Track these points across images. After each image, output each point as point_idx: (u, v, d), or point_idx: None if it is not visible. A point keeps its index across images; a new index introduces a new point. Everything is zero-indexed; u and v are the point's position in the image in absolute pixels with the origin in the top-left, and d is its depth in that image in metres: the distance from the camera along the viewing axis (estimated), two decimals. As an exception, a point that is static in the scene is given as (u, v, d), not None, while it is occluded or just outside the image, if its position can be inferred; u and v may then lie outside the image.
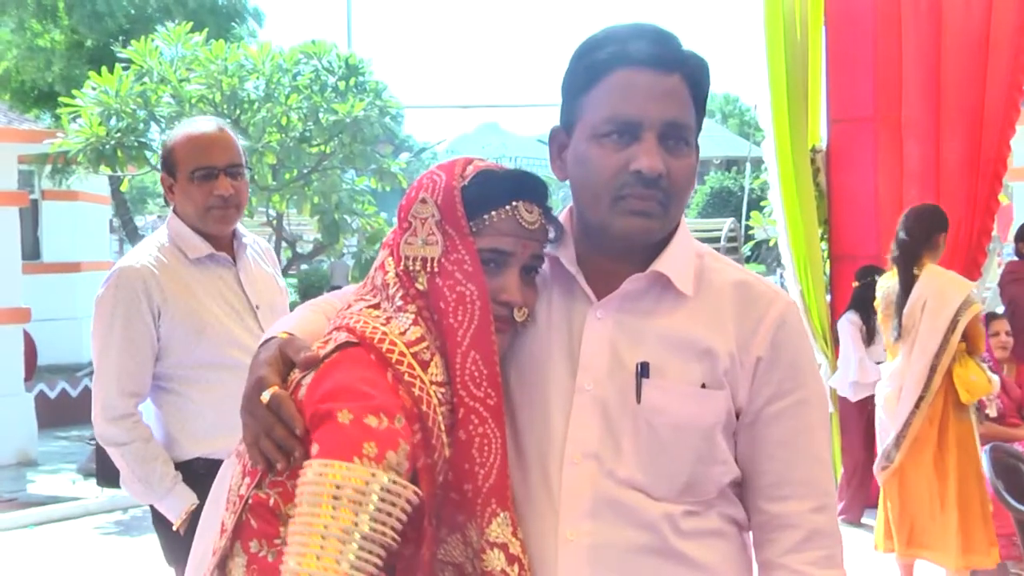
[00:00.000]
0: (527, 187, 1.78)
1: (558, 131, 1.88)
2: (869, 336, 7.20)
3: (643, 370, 1.78)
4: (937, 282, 5.58)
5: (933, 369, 5.48)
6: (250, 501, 1.69)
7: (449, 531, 1.71)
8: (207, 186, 3.25)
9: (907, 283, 5.61)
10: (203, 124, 3.44)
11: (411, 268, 1.74)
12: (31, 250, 17.68)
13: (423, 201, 1.75)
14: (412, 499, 1.58)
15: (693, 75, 1.82)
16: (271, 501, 1.67)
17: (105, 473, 10.29)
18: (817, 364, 1.94)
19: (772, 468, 1.83)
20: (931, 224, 5.70)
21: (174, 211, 3.41)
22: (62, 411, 13.65)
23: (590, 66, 1.81)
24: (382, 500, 1.54)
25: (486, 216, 1.73)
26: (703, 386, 1.79)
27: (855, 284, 7.36)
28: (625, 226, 1.77)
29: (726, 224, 24.01)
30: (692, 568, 1.78)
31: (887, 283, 5.91)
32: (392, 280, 1.76)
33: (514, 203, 1.75)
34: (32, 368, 14.81)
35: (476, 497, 1.66)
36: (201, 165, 3.25)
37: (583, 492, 1.76)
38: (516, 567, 1.67)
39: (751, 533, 1.90)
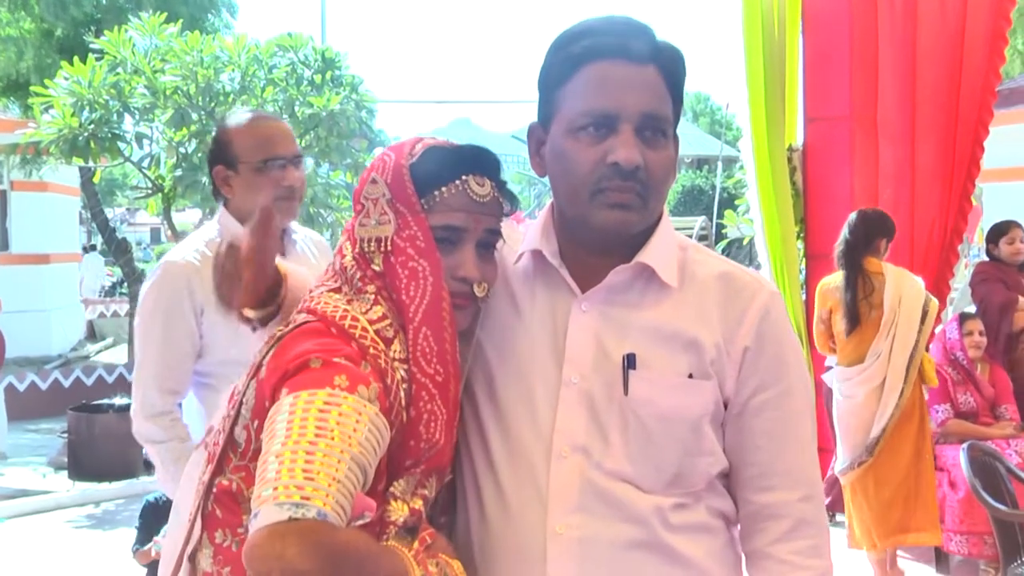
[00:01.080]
0: (477, 161, 1.77)
1: (535, 127, 1.88)
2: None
3: (630, 362, 1.77)
4: (907, 280, 5.86)
5: (910, 361, 5.72)
6: (214, 490, 1.68)
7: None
8: (275, 176, 3.13)
9: (852, 281, 5.87)
10: (261, 115, 3.37)
11: (367, 250, 1.75)
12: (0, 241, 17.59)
13: (373, 181, 1.77)
14: (383, 432, 1.57)
15: (668, 66, 1.81)
16: (234, 486, 1.67)
17: (78, 466, 10.27)
18: (802, 356, 1.92)
19: (758, 459, 1.83)
20: (874, 228, 6.00)
21: (226, 205, 3.27)
22: (32, 404, 13.60)
23: (565, 59, 1.81)
24: (360, 421, 1.54)
25: (436, 192, 1.73)
26: (690, 376, 1.79)
27: None
28: (604, 219, 1.76)
29: (697, 222, 23.99)
30: (679, 563, 1.77)
31: (833, 281, 6.10)
32: (350, 263, 1.76)
33: (464, 177, 1.74)
34: (0, 360, 14.72)
35: (413, 467, 1.67)
36: (271, 155, 3.13)
37: (571, 485, 1.74)
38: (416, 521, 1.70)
39: (739, 525, 1.90)
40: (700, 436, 1.80)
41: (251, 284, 1.86)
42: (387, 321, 1.70)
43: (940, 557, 6.37)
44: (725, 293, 1.84)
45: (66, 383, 14.45)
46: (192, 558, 1.72)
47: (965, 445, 5.18)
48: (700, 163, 35.96)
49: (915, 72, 7.60)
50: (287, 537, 1.41)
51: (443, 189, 1.73)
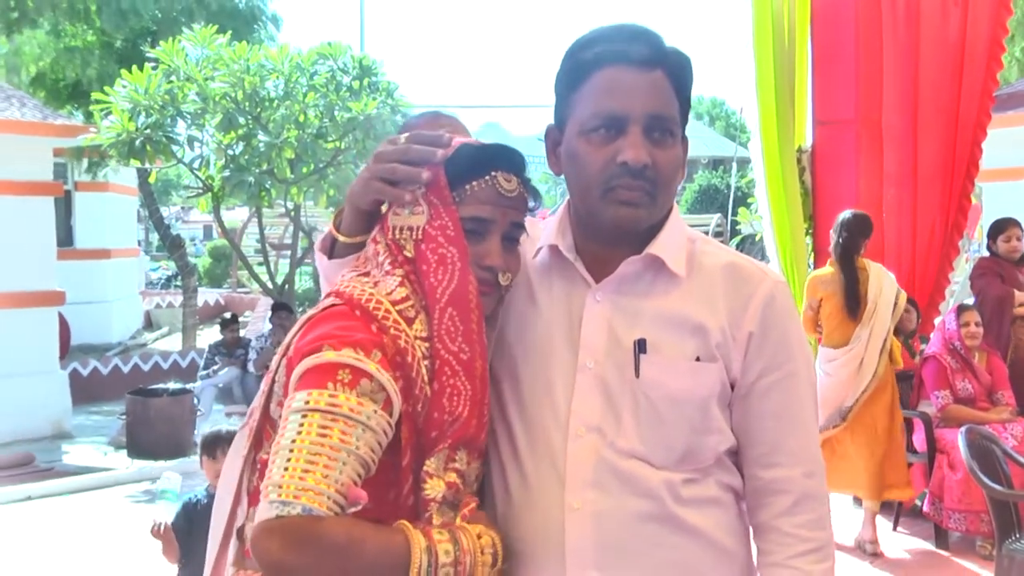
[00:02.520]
0: (505, 158, 1.76)
1: (552, 128, 1.87)
2: None
3: (640, 347, 1.76)
4: (884, 275, 6.30)
5: (885, 342, 6.20)
6: (258, 465, 1.70)
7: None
8: None
9: (851, 275, 6.22)
10: (436, 114, 3.21)
11: (398, 237, 1.75)
12: (65, 237, 17.72)
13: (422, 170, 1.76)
14: (383, 427, 1.58)
15: (675, 70, 1.80)
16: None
17: (135, 445, 10.36)
18: (806, 340, 1.90)
19: (764, 437, 1.82)
20: (860, 229, 6.31)
21: None
22: (94, 388, 13.74)
23: (577, 66, 1.80)
24: (357, 423, 1.55)
25: (467, 186, 1.73)
26: (697, 360, 1.77)
27: None
28: (615, 215, 1.76)
29: (713, 220, 23.96)
30: (690, 534, 1.76)
31: (824, 274, 6.47)
32: (382, 249, 1.76)
33: (493, 173, 1.74)
34: (66, 348, 14.85)
35: (440, 441, 1.66)
36: None
37: (587, 463, 1.74)
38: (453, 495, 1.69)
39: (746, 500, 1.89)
40: (707, 415, 1.78)
41: None
42: (410, 302, 1.70)
43: (940, 534, 6.32)
44: (732, 281, 1.82)
45: (125, 369, 14.58)
46: (240, 533, 1.73)
47: (963, 429, 5.15)
48: (716, 164, 35.84)
49: (917, 78, 7.55)
50: (273, 534, 1.48)
51: (473, 183, 1.73)
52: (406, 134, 1.79)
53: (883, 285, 6.24)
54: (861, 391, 6.20)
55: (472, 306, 1.70)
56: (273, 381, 1.72)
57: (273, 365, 1.74)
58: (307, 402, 1.54)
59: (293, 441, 1.52)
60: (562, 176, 1.88)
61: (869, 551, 6.22)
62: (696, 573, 1.76)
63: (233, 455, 1.82)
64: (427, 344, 1.68)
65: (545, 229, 1.91)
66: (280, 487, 1.50)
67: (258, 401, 1.76)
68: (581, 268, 1.83)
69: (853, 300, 6.19)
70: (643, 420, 1.75)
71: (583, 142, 1.76)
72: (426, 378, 1.65)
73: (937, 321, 6.73)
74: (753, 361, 1.80)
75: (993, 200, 11.21)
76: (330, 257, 1.91)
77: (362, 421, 1.54)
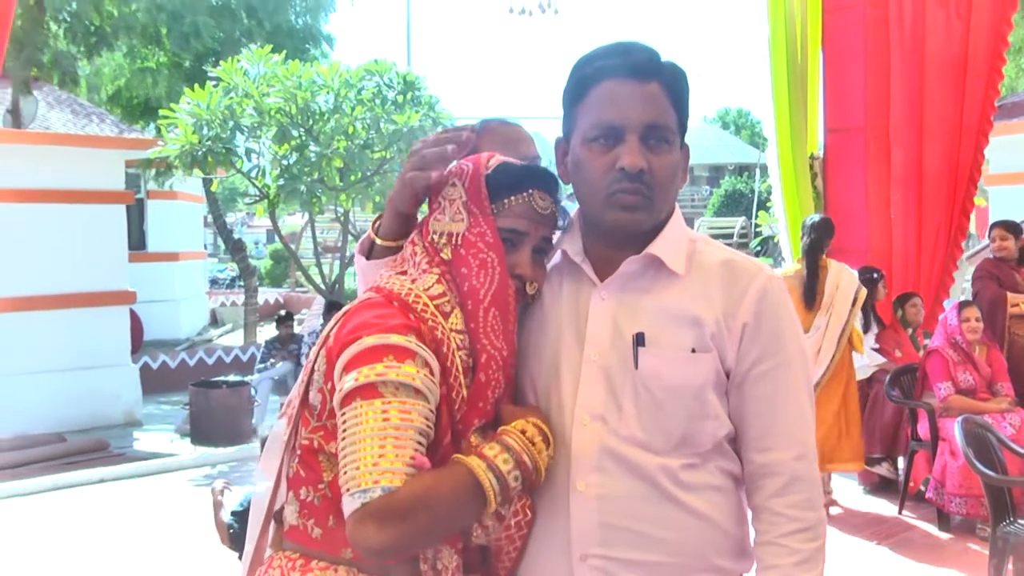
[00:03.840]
0: (541, 178, 1.80)
1: (560, 140, 1.88)
2: (865, 325, 7.17)
3: (639, 340, 1.77)
4: (844, 272, 6.62)
5: (843, 333, 6.51)
6: (298, 451, 1.71)
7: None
8: None
9: (812, 271, 6.57)
10: (503, 122, 3.08)
11: (437, 241, 1.76)
12: (138, 242, 17.96)
13: (452, 185, 1.78)
14: (431, 389, 1.60)
15: (670, 82, 1.80)
16: (315, 444, 1.68)
17: (198, 433, 10.48)
18: (801, 332, 1.89)
19: (758, 422, 1.81)
20: (828, 230, 6.69)
21: None
22: (162, 380, 13.88)
23: (580, 80, 1.81)
24: (405, 391, 1.57)
25: (506, 200, 1.76)
26: (693, 351, 1.77)
27: None
28: (615, 218, 1.77)
29: (738, 222, 23.85)
30: (690, 515, 1.76)
31: (789, 271, 6.82)
32: (419, 251, 1.77)
33: (530, 191, 1.77)
34: (139, 343, 15.04)
35: (483, 425, 1.70)
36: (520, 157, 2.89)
37: (591, 449, 1.75)
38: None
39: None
40: (703, 403, 1.78)
41: None
42: (446, 298, 1.70)
43: (942, 517, 6.25)
44: (727, 276, 1.82)
45: (191, 362, 14.73)
46: (278, 516, 1.75)
47: (960, 419, 5.09)
48: (741, 170, 35.68)
49: (922, 88, 7.49)
50: (364, 521, 1.50)
51: (512, 198, 1.75)
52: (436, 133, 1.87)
53: (841, 282, 6.57)
54: (820, 375, 6.51)
55: (511, 307, 1.74)
56: (313, 370, 1.71)
57: (312, 355, 1.74)
58: (358, 380, 1.56)
59: (357, 433, 1.54)
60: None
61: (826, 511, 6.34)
62: (694, 553, 1.76)
63: (273, 442, 1.83)
64: (462, 337, 1.69)
65: (559, 237, 1.92)
66: (358, 479, 1.52)
67: (296, 391, 1.76)
68: (588, 270, 1.83)
69: (810, 293, 6.54)
70: (643, 408, 1.76)
71: (586, 150, 1.77)
72: (460, 368, 1.66)
73: (941, 317, 6.67)
74: (747, 350, 1.79)
75: (999, 203, 11.07)
76: (368, 258, 1.94)
77: (413, 385, 1.57)
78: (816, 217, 6.81)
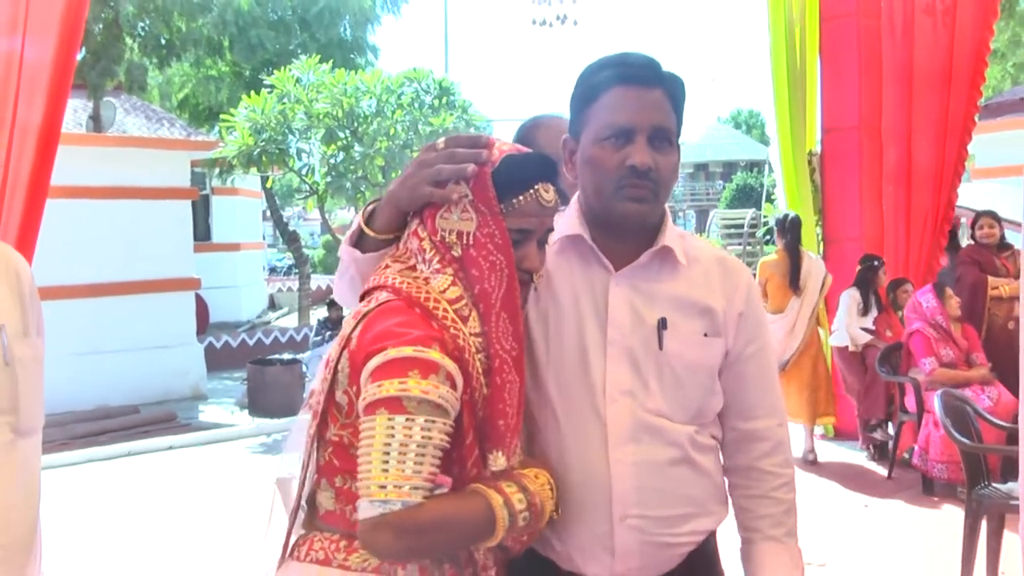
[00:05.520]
0: (544, 169, 1.70)
1: (568, 139, 1.88)
2: (865, 308, 7.19)
3: (663, 324, 1.80)
4: (814, 262, 7.27)
5: (813, 311, 7.15)
6: (329, 445, 1.63)
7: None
8: None
9: (797, 260, 7.16)
10: (560, 118, 2.88)
11: (447, 239, 1.63)
12: (204, 233, 18.12)
13: (457, 183, 1.64)
14: (452, 406, 1.52)
15: (672, 89, 1.82)
16: (345, 440, 1.59)
17: (255, 406, 10.60)
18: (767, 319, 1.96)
19: (747, 396, 1.88)
20: (799, 227, 7.27)
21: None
22: (225, 358, 14.01)
23: (591, 86, 1.82)
24: (427, 407, 1.49)
25: (514, 200, 1.64)
26: (705, 335, 1.83)
27: (858, 268, 7.32)
28: (624, 210, 1.78)
29: (748, 213, 23.65)
30: (701, 473, 1.83)
31: (770, 259, 7.49)
32: (428, 247, 1.64)
33: (536, 187, 1.66)
34: (205, 325, 15.20)
35: (506, 431, 1.62)
36: None
37: (625, 422, 1.77)
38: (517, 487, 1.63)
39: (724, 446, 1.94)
40: (714, 381, 1.85)
41: None
42: (463, 301, 1.60)
43: (926, 482, 6.23)
44: (723, 271, 1.88)
45: (250, 342, 14.87)
46: (310, 500, 1.67)
47: (939, 392, 5.08)
48: (752, 166, 35.41)
49: (912, 90, 7.44)
50: (380, 528, 1.46)
51: (520, 198, 1.64)
52: (443, 139, 1.70)
53: (812, 270, 7.16)
54: (795, 348, 7.12)
55: (518, 308, 1.65)
56: (336, 370, 1.60)
57: (334, 354, 1.62)
58: (383, 391, 1.48)
59: (385, 443, 1.47)
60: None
61: (810, 459, 7.14)
62: (701, 504, 1.83)
63: (299, 432, 1.76)
64: (479, 339, 1.60)
65: (559, 223, 1.88)
66: (380, 487, 1.46)
67: (320, 385, 1.65)
68: (603, 257, 1.84)
69: (795, 278, 7.13)
70: (666, 385, 1.79)
71: (597, 149, 1.77)
72: (480, 370, 1.59)
73: (912, 302, 6.69)
74: (740, 335, 1.86)
75: (985, 195, 10.96)
76: (358, 249, 1.82)
77: (436, 401, 1.49)
78: (792, 214, 7.31)
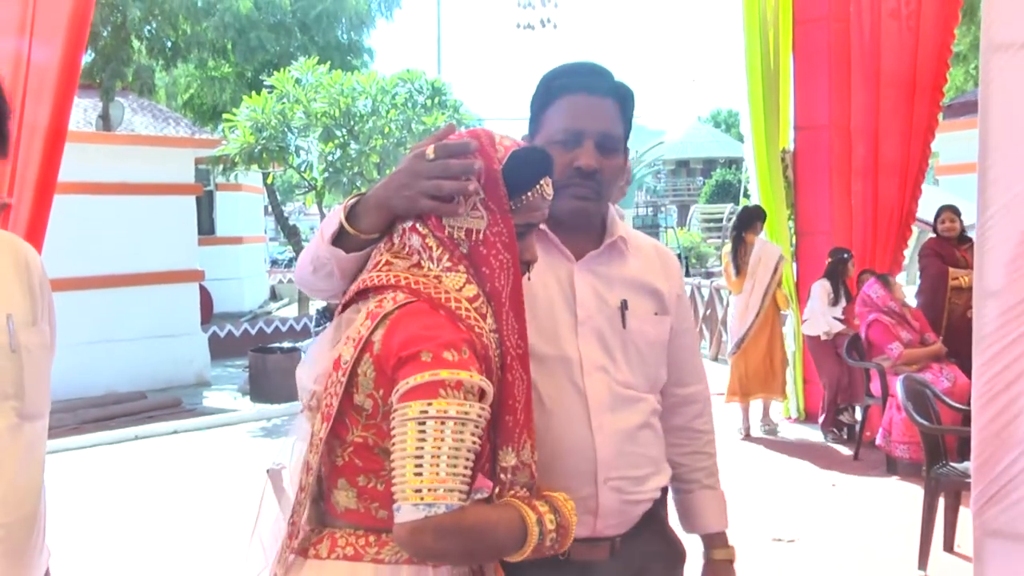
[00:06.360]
0: (546, 163, 1.65)
1: (526, 138, 1.93)
2: (835, 298, 7.23)
3: (624, 305, 1.88)
4: (767, 247, 7.48)
5: (766, 294, 7.42)
6: (350, 447, 1.54)
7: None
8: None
9: (737, 247, 7.62)
10: None
11: (455, 236, 1.55)
12: (208, 227, 18.09)
13: (467, 180, 1.55)
14: (485, 417, 1.46)
15: (622, 99, 1.88)
16: (369, 441, 1.51)
17: (257, 392, 10.60)
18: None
19: (682, 366, 2.02)
20: (753, 215, 7.65)
21: None
22: (228, 347, 13.98)
23: (548, 91, 1.87)
24: (464, 421, 1.42)
25: (523, 197, 1.59)
26: (656, 314, 1.94)
27: (828, 260, 7.37)
28: (570, 207, 1.83)
29: (727, 208, 23.79)
30: (658, 435, 1.94)
31: (727, 249, 7.91)
32: (434, 243, 1.55)
33: (541, 183, 1.62)
34: (209, 314, 15.16)
35: (515, 427, 1.56)
36: None
37: (602, 394, 1.84)
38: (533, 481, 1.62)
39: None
40: (665, 354, 1.96)
41: None
42: (481, 299, 1.53)
43: (890, 462, 6.30)
44: (661, 259, 2.00)
45: (252, 331, 14.84)
46: (320, 499, 1.60)
47: (901, 377, 5.14)
48: (730, 163, 35.41)
49: (879, 91, 7.47)
50: (424, 532, 1.40)
51: (528, 194, 1.60)
52: (432, 146, 1.58)
53: (762, 254, 7.43)
54: (748, 325, 7.50)
55: (523, 306, 1.59)
56: (353, 374, 1.50)
57: (348, 356, 1.51)
58: (423, 411, 1.40)
59: (419, 449, 1.40)
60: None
61: (744, 433, 7.61)
62: (658, 463, 1.94)
63: (299, 439, 1.66)
64: (496, 335, 1.55)
65: None
66: (420, 491, 1.39)
67: (328, 387, 1.54)
68: (564, 248, 1.89)
69: (736, 264, 7.60)
70: (632, 359, 1.89)
71: (550, 150, 1.78)
72: (497, 364, 1.54)
73: (861, 295, 6.84)
74: (678, 314, 2.00)
75: (949, 190, 11.02)
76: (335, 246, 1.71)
77: (472, 419, 1.43)
78: (741, 208, 7.91)
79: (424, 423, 1.40)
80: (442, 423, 1.40)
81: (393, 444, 1.43)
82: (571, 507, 1.61)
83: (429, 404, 1.40)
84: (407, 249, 1.58)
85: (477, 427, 1.44)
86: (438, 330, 1.45)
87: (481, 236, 1.55)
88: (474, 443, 1.43)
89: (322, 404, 1.54)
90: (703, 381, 2.09)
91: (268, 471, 1.73)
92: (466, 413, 1.42)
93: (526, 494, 1.57)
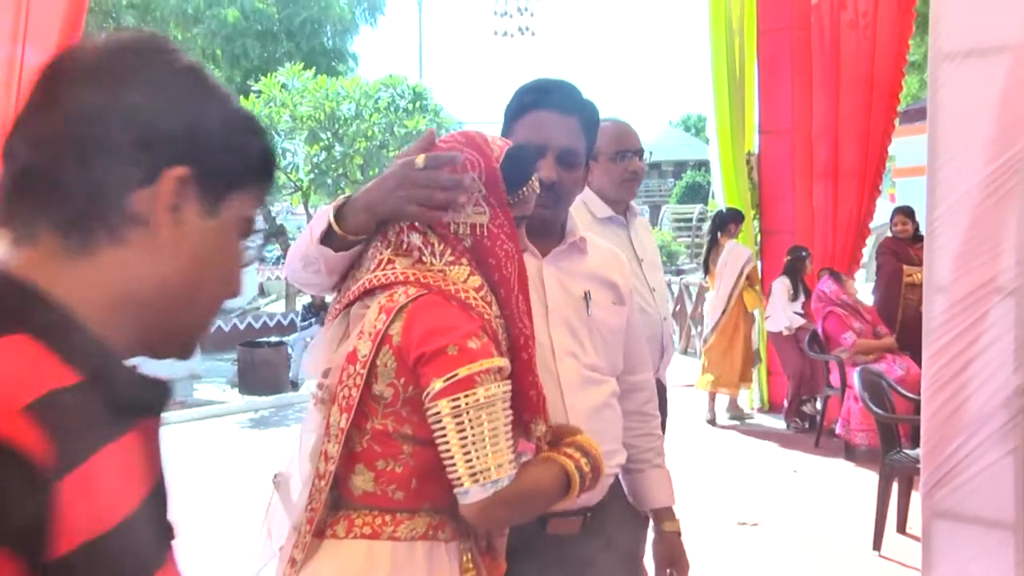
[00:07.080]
0: (535, 162, 1.76)
1: None
2: (794, 294, 7.28)
3: (588, 296, 1.96)
4: (735, 249, 7.54)
5: (731, 295, 7.53)
6: (367, 434, 1.55)
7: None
8: (625, 164, 2.85)
9: (708, 250, 7.86)
10: (615, 121, 2.95)
11: (459, 231, 1.58)
12: (198, 227, 17.87)
13: (458, 192, 1.57)
14: (508, 391, 1.52)
15: (587, 117, 1.95)
16: (389, 428, 1.53)
17: (245, 384, 10.55)
18: None
19: (634, 355, 2.10)
20: (728, 218, 7.67)
21: (588, 186, 2.75)
22: (218, 341, 13.84)
23: (520, 105, 1.94)
24: (494, 402, 1.47)
25: (519, 192, 1.65)
26: (614, 303, 2.02)
27: (787, 258, 7.42)
28: (531, 214, 1.86)
29: (696, 209, 23.92)
30: (618, 416, 2.01)
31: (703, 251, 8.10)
32: (435, 240, 1.57)
33: (533, 177, 1.69)
34: (198, 311, 14.99)
35: (539, 400, 1.62)
36: (623, 149, 2.85)
37: (574, 376, 1.91)
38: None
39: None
40: (622, 341, 2.04)
41: None
42: (485, 289, 1.56)
43: (848, 449, 6.37)
44: (614, 256, 2.10)
45: (241, 326, 14.73)
46: (333, 487, 1.59)
47: (858, 369, 5.20)
48: (700, 165, 35.54)
49: (839, 97, 7.52)
50: (496, 506, 1.47)
51: (524, 189, 1.66)
52: (422, 155, 1.57)
53: (729, 255, 7.50)
54: (717, 319, 7.63)
55: (528, 289, 1.64)
56: (372, 365, 1.51)
57: (366, 350, 1.51)
58: (457, 405, 1.45)
59: (463, 439, 1.45)
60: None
61: (709, 420, 7.75)
62: (619, 440, 2.02)
63: (308, 431, 1.65)
64: (501, 321, 1.58)
65: None
66: (483, 472, 1.45)
67: (349, 381, 1.54)
68: (532, 247, 1.95)
69: (705, 265, 7.92)
70: (597, 345, 1.96)
71: None
72: (504, 348, 1.57)
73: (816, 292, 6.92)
74: (630, 306, 2.08)
75: (904, 192, 11.13)
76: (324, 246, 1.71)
77: (500, 397, 1.48)
78: (707, 209, 7.91)
79: (460, 415, 1.45)
80: (478, 411, 1.45)
81: (437, 439, 1.47)
82: (596, 445, 1.68)
83: (464, 396, 1.45)
84: (407, 247, 1.59)
85: (505, 403, 1.50)
86: (455, 320, 1.48)
87: (484, 230, 1.59)
88: (507, 416, 1.50)
89: (338, 396, 1.55)
90: (649, 369, 2.18)
91: (276, 477, 1.72)
92: (494, 395, 1.47)
93: (555, 446, 1.65)
